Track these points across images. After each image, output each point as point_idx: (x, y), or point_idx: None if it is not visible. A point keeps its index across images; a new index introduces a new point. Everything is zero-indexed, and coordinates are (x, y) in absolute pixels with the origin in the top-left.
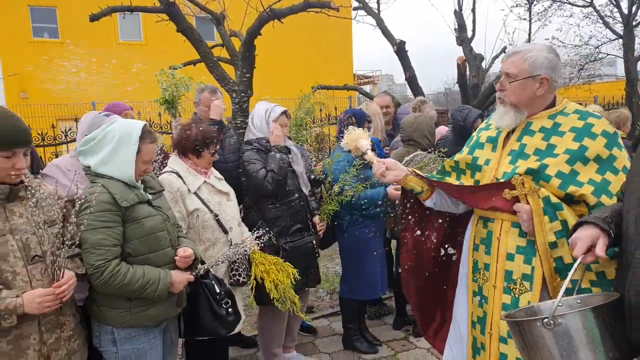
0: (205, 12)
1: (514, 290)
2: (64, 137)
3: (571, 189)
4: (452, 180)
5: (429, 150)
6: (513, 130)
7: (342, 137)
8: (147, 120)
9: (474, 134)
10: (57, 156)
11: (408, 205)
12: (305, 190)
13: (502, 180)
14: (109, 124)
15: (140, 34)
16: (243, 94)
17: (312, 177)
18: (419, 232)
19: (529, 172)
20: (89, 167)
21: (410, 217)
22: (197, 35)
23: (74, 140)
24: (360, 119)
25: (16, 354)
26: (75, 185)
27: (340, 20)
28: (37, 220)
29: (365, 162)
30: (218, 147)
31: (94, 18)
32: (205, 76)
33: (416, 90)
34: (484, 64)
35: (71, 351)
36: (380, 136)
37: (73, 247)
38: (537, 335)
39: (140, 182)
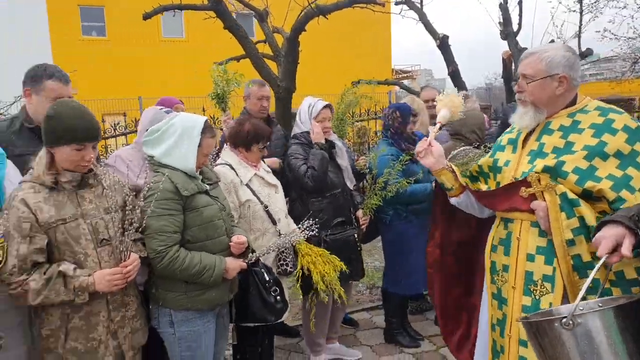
0: (248, 9)
1: (534, 291)
2: (112, 131)
3: (589, 184)
4: (481, 185)
5: (475, 145)
6: (533, 131)
7: (387, 131)
8: None
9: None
10: (106, 149)
11: (440, 200)
12: (350, 184)
13: (519, 179)
14: (172, 117)
15: (182, 31)
16: (286, 89)
17: (356, 170)
18: (446, 229)
19: (546, 169)
20: (153, 157)
21: (440, 211)
22: (243, 32)
23: (123, 134)
24: (405, 113)
25: (87, 329)
26: (135, 175)
27: (379, 15)
28: (104, 206)
29: (411, 157)
30: (268, 143)
31: (146, 16)
32: (248, 72)
33: (459, 84)
34: None
35: (134, 330)
36: (425, 131)
37: (137, 232)
38: (555, 337)
39: (198, 173)
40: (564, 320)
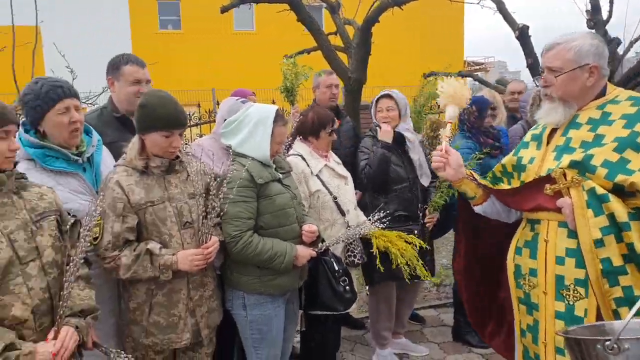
0: (319, 1)
1: (567, 297)
2: (188, 121)
3: (620, 177)
4: (504, 186)
5: None
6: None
7: (463, 125)
8: None
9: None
10: (181, 137)
11: (463, 213)
12: (426, 180)
13: (543, 176)
14: (247, 108)
15: (253, 25)
16: (357, 81)
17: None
18: (471, 244)
19: (573, 164)
20: (230, 147)
21: (464, 226)
22: (316, 24)
23: (196, 124)
24: (482, 107)
25: (169, 305)
26: (213, 163)
27: (452, 5)
28: (189, 191)
29: (489, 153)
30: (335, 126)
31: (224, 10)
32: (318, 64)
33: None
34: (620, 49)
35: (210, 309)
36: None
37: (217, 217)
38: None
39: (272, 162)
40: (608, 343)
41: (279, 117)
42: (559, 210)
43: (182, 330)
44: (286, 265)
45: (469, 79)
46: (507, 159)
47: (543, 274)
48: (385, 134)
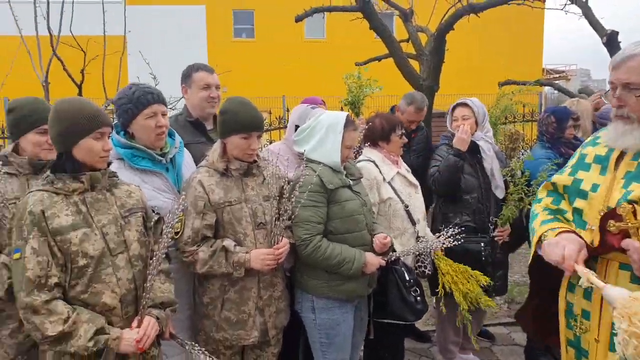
0: (389, 9)
1: None
2: None
3: None
4: (546, 203)
5: None
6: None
7: (543, 136)
8: None
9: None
10: (259, 139)
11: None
12: (500, 192)
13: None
14: (318, 115)
15: (324, 33)
16: (429, 88)
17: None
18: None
19: None
20: (302, 153)
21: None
22: (389, 32)
23: (267, 130)
24: (562, 118)
25: (240, 302)
26: (287, 168)
27: (532, 11)
28: (264, 194)
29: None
30: (403, 130)
31: (298, 19)
32: (389, 72)
33: None
34: None
35: (279, 310)
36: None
37: (288, 220)
38: None
39: (342, 168)
40: None
41: (349, 123)
42: (623, 250)
43: (250, 327)
44: (354, 271)
45: (548, 88)
46: (560, 178)
47: (597, 319)
48: (460, 142)
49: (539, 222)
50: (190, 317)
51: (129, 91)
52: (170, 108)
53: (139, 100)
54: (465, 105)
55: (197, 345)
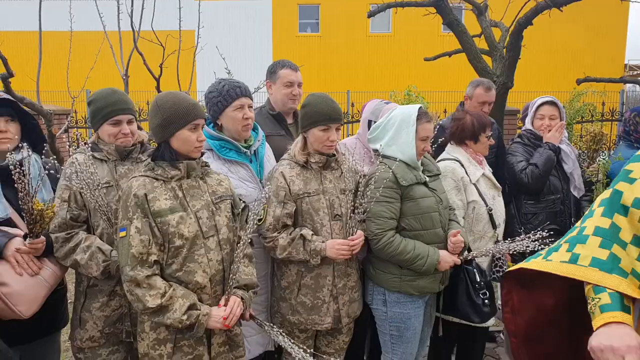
0: (462, 2)
1: None
2: None
3: None
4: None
5: None
6: None
7: (629, 136)
8: None
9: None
10: (337, 132)
11: None
12: (578, 193)
13: None
14: (390, 111)
15: (389, 26)
16: (503, 85)
17: (585, 179)
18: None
19: None
20: (376, 150)
21: None
22: (463, 27)
23: None
24: None
25: (315, 288)
26: (362, 162)
27: (616, 5)
28: (341, 187)
29: None
30: (491, 131)
31: (371, 14)
32: (460, 67)
33: None
34: None
35: (352, 299)
36: None
37: (363, 213)
38: None
39: (419, 163)
40: None
41: (422, 114)
42: None
43: (324, 313)
44: (427, 268)
45: (629, 85)
46: (629, 188)
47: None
48: (552, 137)
49: (589, 261)
50: (267, 300)
51: (218, 85)
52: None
53: (228, 93)
54: (553, 104)
55: (275, 326)
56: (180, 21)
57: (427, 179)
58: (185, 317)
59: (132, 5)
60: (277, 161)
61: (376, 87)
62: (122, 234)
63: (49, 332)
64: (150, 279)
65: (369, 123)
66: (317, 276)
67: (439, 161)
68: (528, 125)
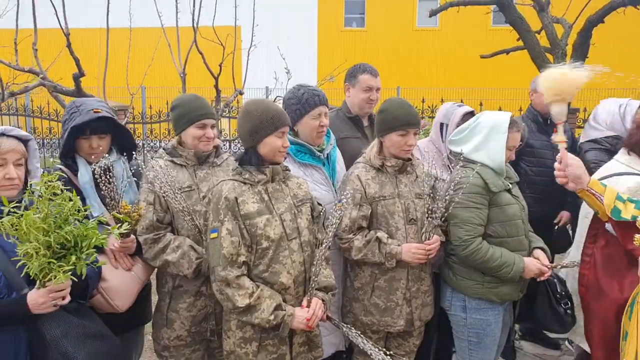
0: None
1: None
2: None
3: None
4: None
5: None
6: None
7: None
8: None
9: None
10: (415, 136)
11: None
12: None
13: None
14: (478, 115)
15: (437, 21)
16: None
17: None
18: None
19: None
20: (459, 153)
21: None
22: (527, 25)
23: None
24: None
25: (389, 290)
26: (428, 165)
27: None
28: (416, 191)
29: None
30: None
31: (433, 13)
32: (517, 64)
33: None
34: None
35: (424, 304)
36: None
37: (440, 219)
38: None
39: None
40: None
41: (513, 123)
42: None
43: (397, 316)
44: (513, 275)
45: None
46: None
47: (634, 343)
48: None
49: None
50: (339, 300)
51: (297, 92)
52: (278, 97)
53: (307, 102)
54: None
55: (352, 328)
56: (235, 20)
57: (510, 185)
58: (272, 317)
59: (194, 5)
60: (352, 163)
61: (424, 83)
62: (214, 235)
63: (136, 326)
64: (239, 279)
65: (441, 126)
66: (391, 279)
67: (608, 176)
68: (612, 130)
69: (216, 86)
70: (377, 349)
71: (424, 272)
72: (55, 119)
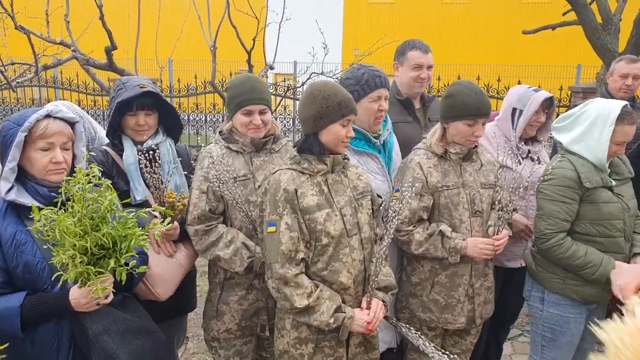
0: None
1: None
2: None
3: None
4: None
5: None
6: None
7: None
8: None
9: None
10: (483, 126)
11: None
12: None
13: None
14: (587, 102)
15: None
16: None
17: None
18: None
19: None
20: (561, 142)
21: None
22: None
23: None
24: None
25: (450, 287)
26: (495, 150)
27: None
28: (481, 180)
29: None
30: None
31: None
32: (565, 41)
33: None
34: None
35: (487, 300)
36: None
37: (509, 212)
38: None
39: (608, 164)
40: None
41: (625, 115)
42: None
43: (459, 313)
44: (598, 277)
45: None
46: None
47: None
48: None
49: None
50: (395, 293)
51: (357, 72)
52: (313, 73)
53: (367, 83)
54: None
55: (412, 328)
56: None
57: (614, 182)
58: (332, 320)
59: None
60: (403, 151)
61: (451, 57)
62: (272, 229)
63: (179, 314)
64: (298, 277)
65: (513, 111)
66: (452, 274)
67: None
68: None
69: (249, 61)
70: (439, 352)
71: (488, 268)
72: (85, 91)
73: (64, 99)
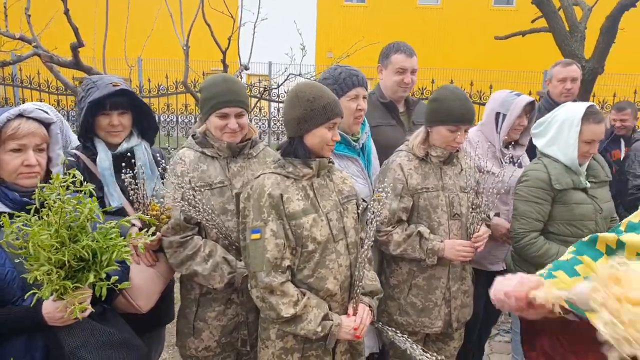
0: None
1: None
2: None
3: None
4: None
5: None
6: None
7: None
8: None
9: None
10: (466, 133)
11: None
12: None
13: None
14: (558, 107)
15: None
16: (592, 71)
17: None
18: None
19: None
20: (537, 147)
21: None
22: (553, 6)
23: None
24: None
25: (427, 289)
26: (476, 155)
27: None
28: (460, 184)
29: None
30: None
31: None
32: (534, 47)
33: None
34: None
35: (464, 304)
36: None
37: (485, 214)
38: None
39: (585, 168)
40: None
41: (589, 114)
42: None
43: (435, 317)
44: None
45: None
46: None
47: None
48: None
49: None
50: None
51: (335, 72)
52: (291, 74)
53: (345, 82)
54: None
55: (398, 332)
56: None
57: (589, 185)
58: (319, 328)
59: None
60: (385, 154)
61: (426, 61)
62: (256, 236)
63: (157, 327)
64: (284, 285)
65: (497, 115)
66: (430, 277)
67: None
68: None
69: (223, 61)
70: (427, 355)
71: (465, 271)
72: (47, 90)
73: (23, 98)
